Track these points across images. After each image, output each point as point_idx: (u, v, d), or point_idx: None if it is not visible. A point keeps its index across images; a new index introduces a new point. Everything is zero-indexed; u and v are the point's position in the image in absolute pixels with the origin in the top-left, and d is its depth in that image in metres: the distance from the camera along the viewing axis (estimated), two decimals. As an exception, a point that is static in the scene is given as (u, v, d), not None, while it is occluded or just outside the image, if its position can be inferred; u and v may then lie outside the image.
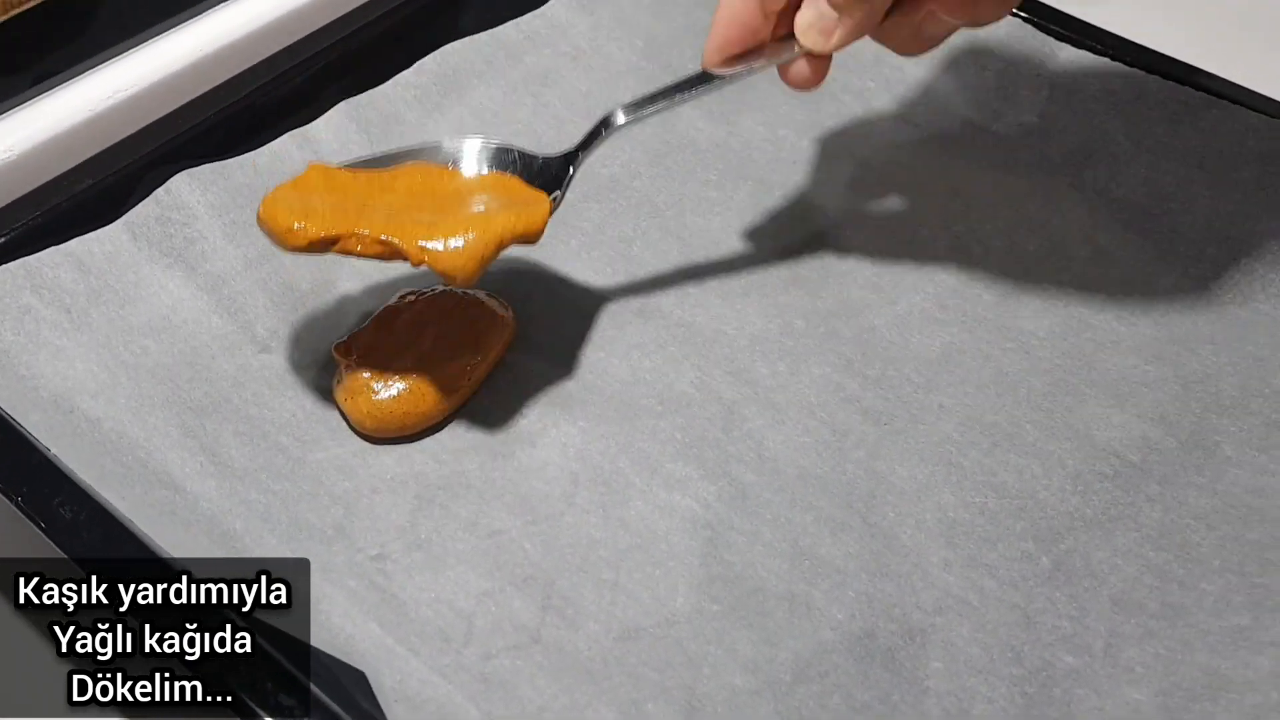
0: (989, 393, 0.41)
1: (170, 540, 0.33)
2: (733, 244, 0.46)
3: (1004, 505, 0.38)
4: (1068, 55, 0.49)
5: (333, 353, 0.39)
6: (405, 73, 0.49)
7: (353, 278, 0.43)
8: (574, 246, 0.45)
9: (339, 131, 0.46)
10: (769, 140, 0.49)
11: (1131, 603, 0.35)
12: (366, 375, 0.38)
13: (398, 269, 0.43)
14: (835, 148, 0.49)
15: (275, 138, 0.45)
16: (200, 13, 0.45)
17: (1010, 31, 0.50)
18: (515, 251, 0.44)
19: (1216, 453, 0.39)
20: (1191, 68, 0.47)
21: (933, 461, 0.39)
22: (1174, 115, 0.47)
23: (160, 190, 0.42)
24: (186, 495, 0.36)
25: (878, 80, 0.51)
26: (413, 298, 0.41)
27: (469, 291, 0.42)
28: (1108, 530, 0.37)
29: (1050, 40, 0.49)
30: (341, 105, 0.47)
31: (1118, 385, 0.41)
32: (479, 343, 0.40)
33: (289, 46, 0.46)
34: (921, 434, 0.39)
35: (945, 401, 0.40)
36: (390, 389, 0.38)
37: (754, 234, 0.46)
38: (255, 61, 0.45)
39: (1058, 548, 0.36)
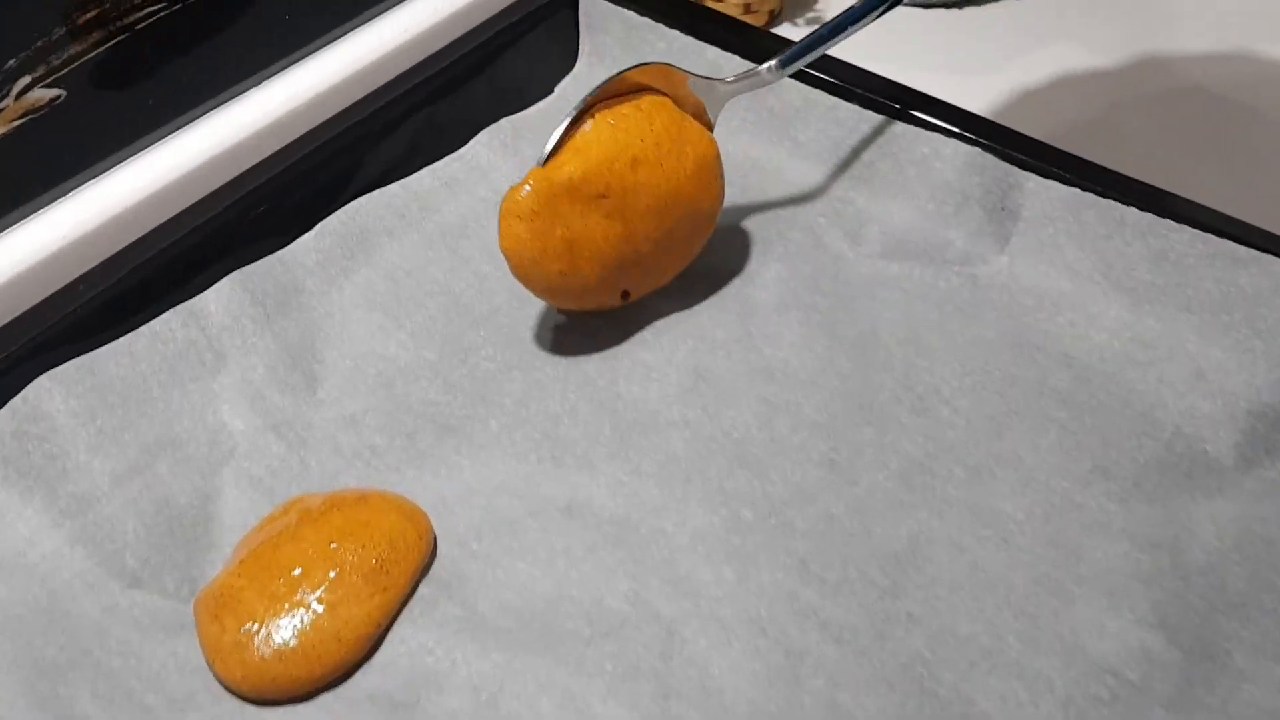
0: (964, 595, 0.36)
1: None
2: (672, 417, 0.41)
3: (986, 742, 0.33)
4: (1034, 185, 0.45)
5: (194, 611, 0.34)
6: (306, 236, 0.44)
7: (240, 483, 0.38)
8: (494, 428, 0.41)
9: (230, 304, 0.42)
10: (711, 291, 0.45)
11: None
12: (243, 628, 0.33)
13: (295, 473, 0.39)
14: (783, 295, 0.44)
15: (155, 316, 0.40)
16: (67, 192, 0.41)
17: (969, 159, 0.45)
18: (428, 438, 0.40)
19: (1228, 665, 0.34)
20: (1174, 196, 0.43)
21: (903, 689, 0.34)
22: (1156, 251, 0.42)
23: (17, 399, 0.37)
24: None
25: (827, 214, 0.47)
26: (298, 514, 0.36)
27: (373, 492, 0.37)
28: (1106, 769, 0.32)
29: (1014, 169, 0.45)
30: (233, 275, 0.42)
31: (1109, 580, 0.36)
32: (388, 573, 0.35)
33: (171, 219, 0.42)
34: (888, 653, 0.34)
35: (914, 609, 0.35)
36: (273, 645, 0.33)
37: (695, 404, 0.41)
38: (132, 239, 0.41)
39: (1050, 795, 0.31)
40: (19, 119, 0.36)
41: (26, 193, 0.39)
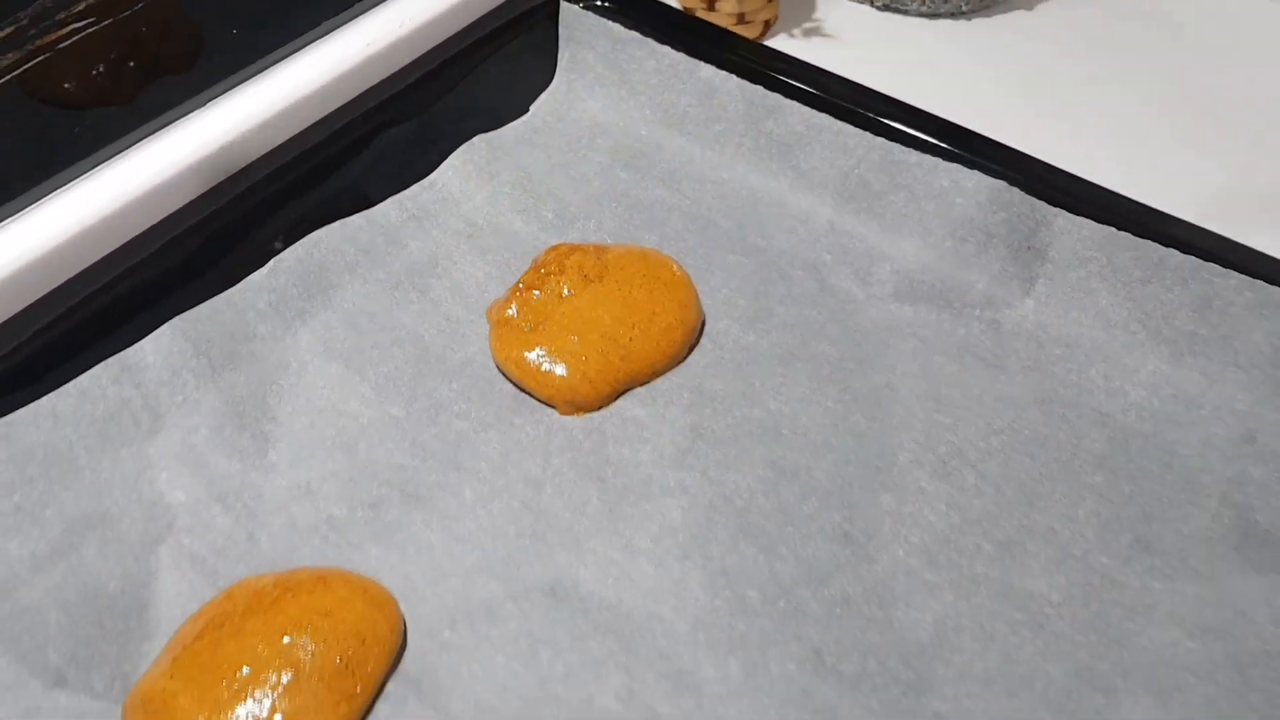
0: (996, 691, 0.32)
1: None
2: (667, 483, 0.37)
3: None
4: (1064, 222, 0.41)
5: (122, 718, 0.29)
6: (258, 273, 0.40)
7: (179, 564, 0.34)
8: (468, 498, 0.36)
9: (169, 355, 0.37)
10: (707, 336, 0.41)
11: None
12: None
13: (243, 551, 0.34)
14: (787, 343, 0.40)
15: (83, 371, 0.36)
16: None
17: (993, 194, 0.41)
18: (394, 510, 0.36)
19: (1295, 777, 0.30)
20: (1220, 238, 0.39)
21: (934, 810, 0.30)
22: (1200, 298, 0.39)
23: (-83, 472, 0.32)
24: None
25: (834, 251, 0.43)
26: (244, 599, 0.32)
27: (334, 572, 0.33)
28: None
29: (1041, 204, 0.41)
30: (174, 322, 0.38)
31: (1157, 672, 0.32)
32: (354, 675, 0.30)
33: (101, 259, 0.37)
34: (916, 764, 0.30)
35: (942, 708, 0.32)
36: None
37: (693, 468, 0.37)
38: (55, 284, 0.36)
39: None
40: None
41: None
